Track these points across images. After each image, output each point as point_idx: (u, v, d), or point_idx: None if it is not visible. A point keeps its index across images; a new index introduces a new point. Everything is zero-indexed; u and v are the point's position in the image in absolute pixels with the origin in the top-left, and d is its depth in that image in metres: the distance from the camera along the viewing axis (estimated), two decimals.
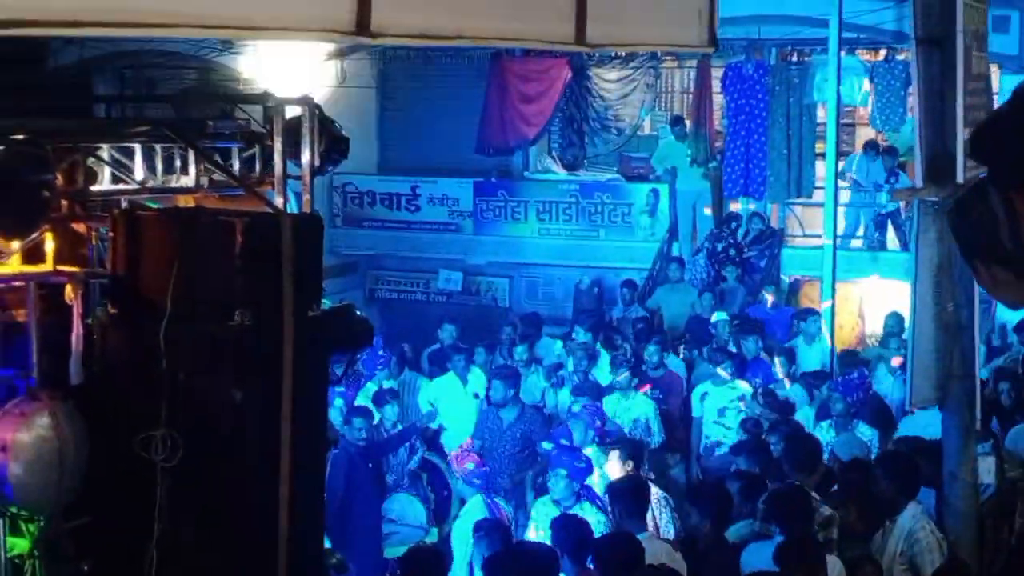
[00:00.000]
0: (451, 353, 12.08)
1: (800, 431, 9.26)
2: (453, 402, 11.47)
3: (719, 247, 15.43)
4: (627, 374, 10.82)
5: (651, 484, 8.56)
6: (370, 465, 9.52)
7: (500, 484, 10.04)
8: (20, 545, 5.67)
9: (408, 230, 17.74)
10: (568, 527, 7.36)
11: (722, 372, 11.15)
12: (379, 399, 10.61)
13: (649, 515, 8.01)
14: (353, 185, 17.78)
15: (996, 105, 11.56)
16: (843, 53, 14.29)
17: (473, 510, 8.61)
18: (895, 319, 12.47)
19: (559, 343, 12.83)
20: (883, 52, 16.17)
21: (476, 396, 11.41)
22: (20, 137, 5.41)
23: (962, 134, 7.29)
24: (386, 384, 11.21)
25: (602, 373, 11.70)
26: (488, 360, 12.38)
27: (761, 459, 8.68)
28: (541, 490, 9.57)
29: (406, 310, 17.56)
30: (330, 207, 17.12)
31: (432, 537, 9.49)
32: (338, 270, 16.43)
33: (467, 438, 10.56)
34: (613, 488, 7.88)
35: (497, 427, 10.35)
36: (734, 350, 11.95)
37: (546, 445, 9.72)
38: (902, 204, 13.95)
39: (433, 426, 10.70)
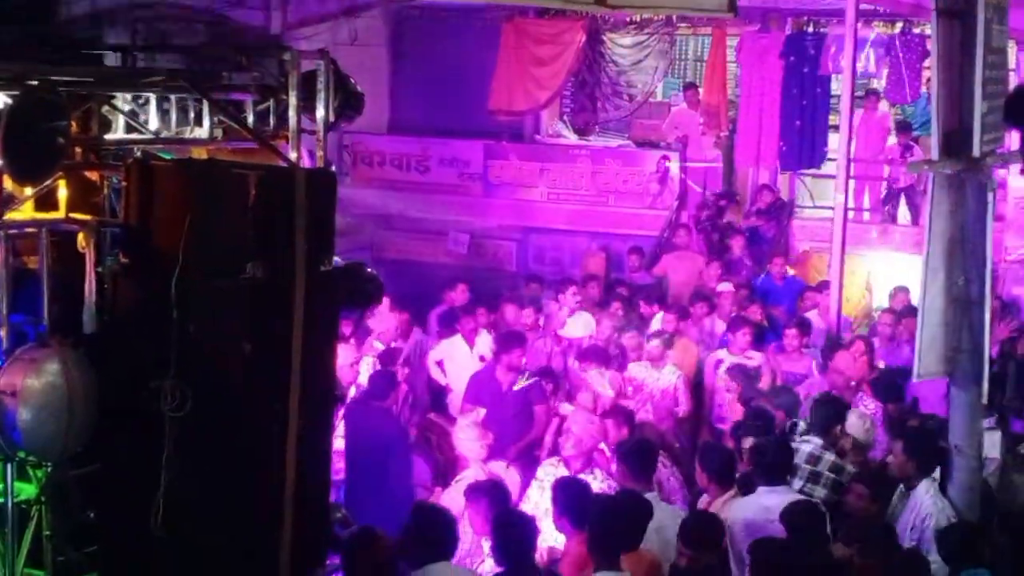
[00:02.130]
0: (459, 315, 12.07)
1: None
2: (460, 365, 11.47)
3: (703, 215, 15.46)
4: (659, 344, 10.78)
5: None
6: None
7: (502, 447, 10.03)
8: (27, 491, 5.70)
9: (417, 191, 17.69)
10: (569, 489, 7.36)
11: (740, 340, 11.12)
12: (385, 359, 10.60)
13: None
14: (363, 144, 17.71)
15: (1013, 81, 11.52)
16: (859, 25, 14.18)
17: (466, 480, 8.59)
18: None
19: (566, 309, 12.79)
20: (899, 25, 16.05)
21: (482, 359, 11.40)
22: (35, 83, 5.39)
23: (980, 107, 7.23)
24: (395, 344, 11.20)
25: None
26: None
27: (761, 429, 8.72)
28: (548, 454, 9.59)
29: (413, 271, 17.52)
30: (340, 166, 17.07)
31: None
32: (345, 229, 16.39)
33: (467, 404, 10.52)
34: (621, 448, 7.88)
35: (496, 390, 10.32)
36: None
37: (566, 407, 9.74)
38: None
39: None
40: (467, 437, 8.78)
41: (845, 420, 8.63)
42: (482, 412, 10.15)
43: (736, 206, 15.83)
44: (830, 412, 8.55)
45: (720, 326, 12.41)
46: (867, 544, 6.65)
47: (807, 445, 8.26)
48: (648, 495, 7.23)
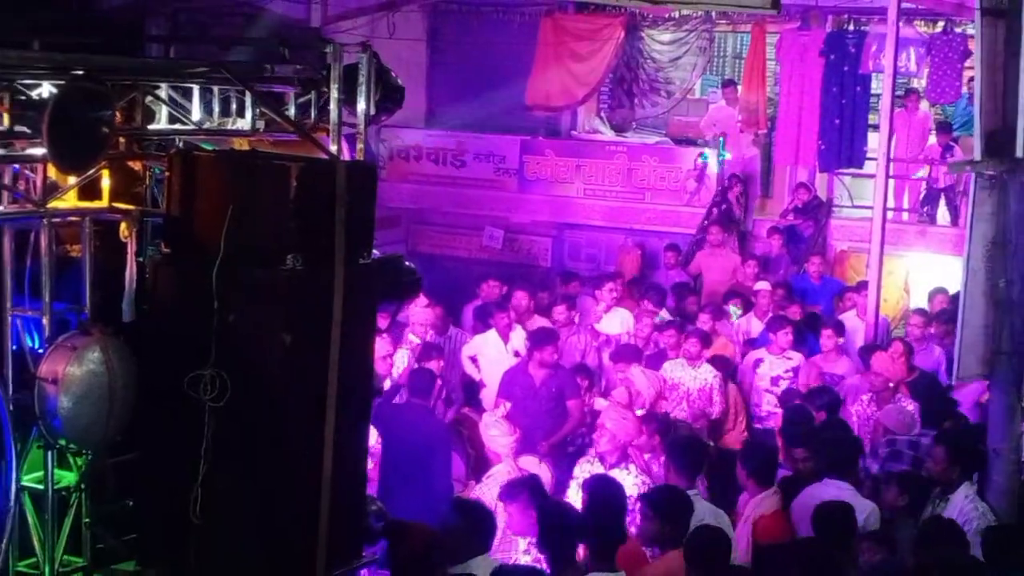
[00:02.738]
0: (494, 310, 12.06)
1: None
2: (493, 360, 11.47)
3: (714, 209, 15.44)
4: (698, 344, 10.75)
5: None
6: None
7: (534, 441, 10.03)
8: (67, 478, 5.75)
9: (453, 185, 17.69)
10: (601, 487, 7.36)
11: (780, 339, 11.07)
12: (421, 354, 10.62)
13: None
14: (399, 138, 17.74)
15: None
16: (901, 23, 14.07)
17: (497, 476, 8.59)
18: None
19: (602, 304, 12.75)
20: (941, 24, 15.93)
21: (517, 354, 11.40)
22: (80, 72, 5.43)
23: (1023, 107, 7.18)
24: (430, 339, 11.21)
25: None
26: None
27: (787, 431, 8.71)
28: (579, 452, 9.58)
29: (447, 265, 17.54)
30: (376, 160, 17.11)
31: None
32: (381, 223, 16.40)
33: (500, 400, 10.52)
34: (672, 442, 7.86)
35: (529, 384, 10.32)
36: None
37: (601, 402, 9.71)
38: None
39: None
40: (495, 432, 8.80)
41: None
42: (507, 406, 10.16)
43: (740, 186, 15.71)
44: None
45: (756, 325, 12.36)
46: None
47: None
48: (691, 492, 7.24)
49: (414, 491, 8.61)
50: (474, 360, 11.71)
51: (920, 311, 12.45)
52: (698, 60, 17.00)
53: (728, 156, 16.20)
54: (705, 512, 7.14)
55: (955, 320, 11.65)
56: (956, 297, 12.35)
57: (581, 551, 6.63)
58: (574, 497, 8.11)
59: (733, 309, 12.61)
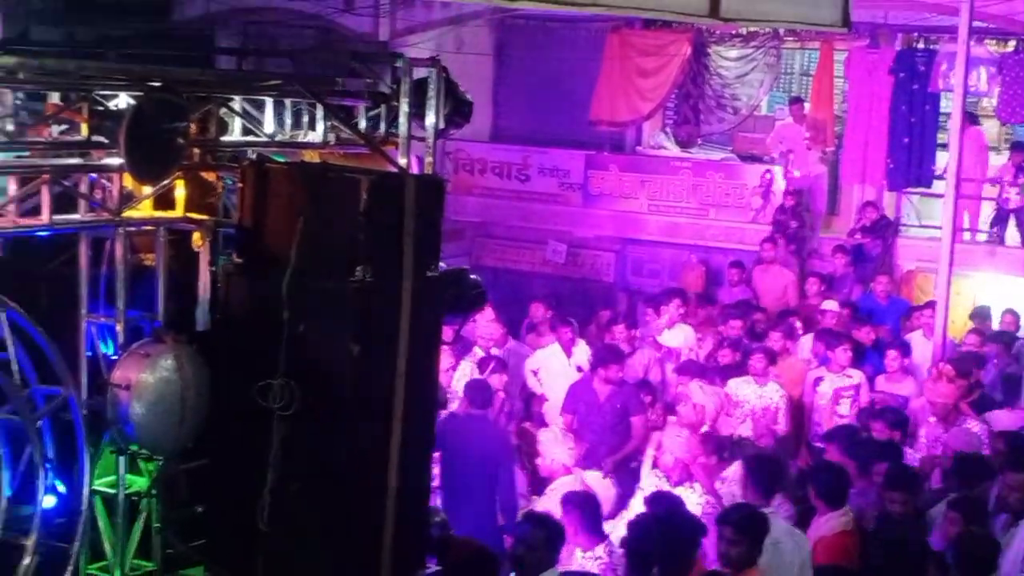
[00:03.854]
0: (557, 325, 12.07)
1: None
2: (556, 374, 11.47)
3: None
4: (764, 360, 10.69)
5: None
6: None
7: (598, 457, 10.03)
8: (138, 483, 5.84)
9: (517, 199, 17.73)
10: (661, 504, 7.36)
11: (840, 356, 10.98)
12: (484, 365, 10.66)
13: None
14: (465, 152, 17.82)
15: None
16: (971, 42, 13.91)
17: (559, 490, 8.60)
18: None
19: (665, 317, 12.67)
20: (1012, 43, 15.72)
21: (579, 369, 11.40)
22: (157, 84, 5.53)
23: None
24: (494, 353, 11.23)
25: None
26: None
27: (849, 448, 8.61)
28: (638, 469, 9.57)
29: (510, 279, 17.58)
30: (441, 173, 17.17)
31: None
32: (445, 236, 16.47)
33: (565, 414, 10.53)
34: (751, 460, 7.83)
35: (592, 400, 10.32)
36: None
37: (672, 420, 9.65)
38: None
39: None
40: (556, 446, 8.82)
41: None
42: (567, 419, 10.18)
43: (795, 198, 15.56)
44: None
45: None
46: None
47: None
48: (766, 510, 7.21)
49: (477, 503, 8.65)
50: (536, 374, 11.72)
51: (975, 331, 12.28)
52: (765, 77, 16.89)
53: (797, 174, 16.08)
54: (780, 531, 7.10)
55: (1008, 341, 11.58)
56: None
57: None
58: (637, 508, 8.11)
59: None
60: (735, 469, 8.61)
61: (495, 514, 8.80)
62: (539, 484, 9.47)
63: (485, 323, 11.38)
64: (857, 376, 10.98)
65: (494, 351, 11.25)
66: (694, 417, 9.06)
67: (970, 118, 15.46)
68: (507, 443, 9.29)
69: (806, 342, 12.29)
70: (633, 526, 6.80)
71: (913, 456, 9.33)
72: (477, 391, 9.41)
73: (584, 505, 7.44)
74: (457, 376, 10.72)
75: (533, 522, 6.82)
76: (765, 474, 7.53)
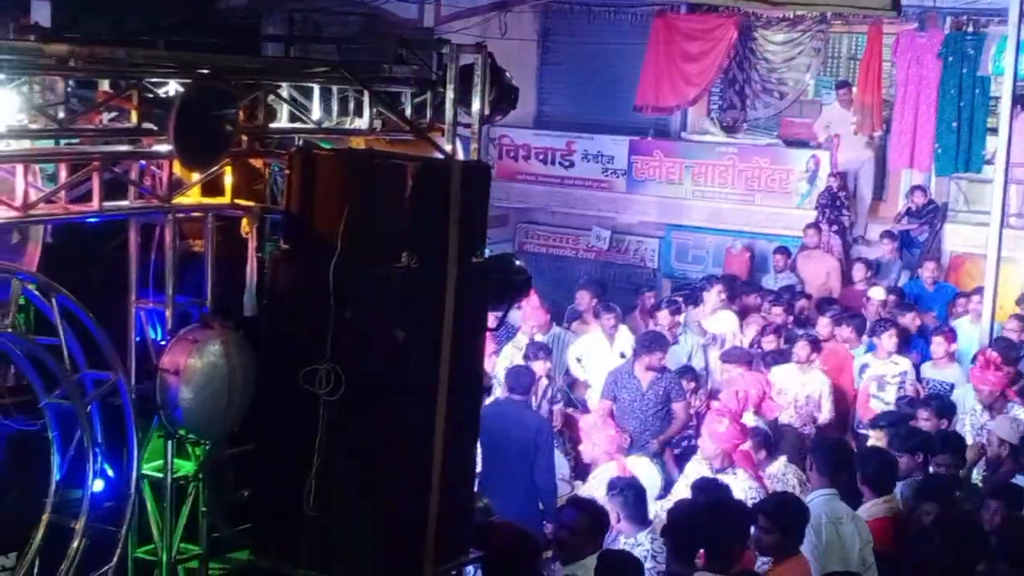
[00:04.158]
0: (600, 311, 12.07)
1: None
2: (599, 360, 11.47)
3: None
4: (808, 348, 10.64)
5: None
6: None
7: (643, 442, 10.03)
8: (186, 467, 5.89)
9: (561, 185, 17.71)
10: (708, 489, 7.36)
11: (885, 343, 10.91)
12: (529, 353, 10.67)
13: None
14: (509, 138, 17.81)
15: None
16: (1022, 25, 13.71)
17: (602, 476, 8.61)
18: None
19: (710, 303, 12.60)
20: None
21: (622, 356, 11.39)
22: (206, 71, 5.57)
23: None
24: (538, 339, 11.24)
25: None
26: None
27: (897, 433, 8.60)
28: (687, 453, 9.56)
29: (554, 265, 17.58)
30: (485, 159, 17.15)
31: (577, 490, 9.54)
32: (489, 222, 16.48)
33: (605, 400, 10.54)
34: (816, 442, 7.82)
35: (635, 387, 10.31)
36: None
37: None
38: None
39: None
40: (597, 433, 8.83)
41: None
42: (607, 405, 10.18)
43: (839, 180, 15.42)
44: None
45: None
46: None
47: None
48: (828, 491, 7.18)
49: (516, 488, 8.68)
50: (579, 361, 11.73)
51: (1017, 316, 12.14)
52: (812, 61, 16.73)
53: (842, 160, 15.94)
54: (841, 513, 7.12)
55: None
56: None
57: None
58: (681, 495, 8.11)
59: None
60: (782, 463, 8.61)
61: (536, 499, 8.83)
62: (583, 470, 9.50)
63: (531, 309, 11.39)
64: (904, 363, 10.90)
65: (538, 337, 11.26)
66: (736, 404, 9.01)
67: (1020, 101, 15.26)
68: (546, 428, 9.31)
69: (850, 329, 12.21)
70: (676, 512, 6.80)
71: None
72: (518, 377, 9.45)
73: (628, 491, 7.46)
74: (501, 362, 10.75)
75: (577, 506, 6.85)
76: (831, 457, 7.53)
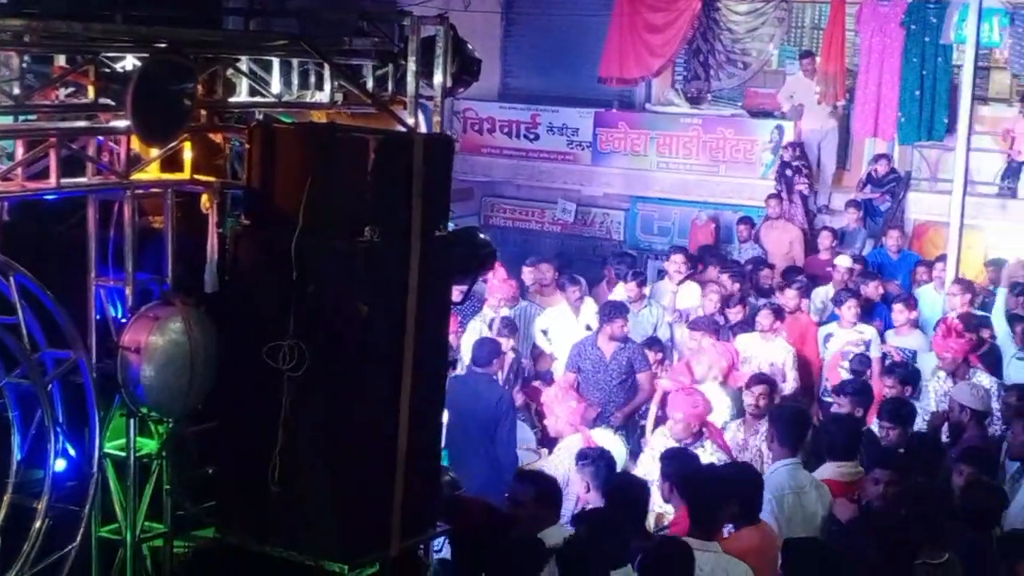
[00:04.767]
0: (565, 284, 12.07)
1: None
2: (565, 333, 11.49)
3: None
4: (771, 317, 10.69)
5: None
6: None
7: (608, 414, 10.06)
8: (148, 446, 5.85)
9: (526, 158, 17.69)
10: (677, 458, 7.39)
11: (846, 313, 10.99)
12: (495, 327, 10.67)
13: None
14: (473, 111, 17.76)
15: None
16: None
17: (567, 448, 8.63)
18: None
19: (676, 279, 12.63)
20: None
21: (588, 328, 11.41)
22: (164, 46, 5.50)
23: None
24: (504, 313, 11.24)
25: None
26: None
27: (862, 401, 8.67)
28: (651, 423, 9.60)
29: (520, 238, 17.57)
30: (450, 132, 17.09)
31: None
32: (454, 195, 16.43)
33: (569, 372, 10.56)
34: (773, 411, 7.86)
35: (599, 358, 10.34)
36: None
37: (664, 383, 9.69)
38: None
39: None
40: (560, 404, 8.85)
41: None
42: (571, 378, 10.21)
43: (795, 150, 15.48)
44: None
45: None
46: None
47: None
48: (791, 461, 7.25)
49: (480, 461, 8.70)
50: (545, 333, 11.74)
51: (959, 280, 12.16)
52: (775, 31, 16.78)
53: (806, 129, 15.99)
54: (804, 481, 7.17)
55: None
56: None
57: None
58: (647, 466, 8.14)
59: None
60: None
61: (498, 472, 8.86)
62: (550, 443, 9.52)
63: (497, 283, 11.39)
64: (868, 331, 10.96)
65: (504, 311, 11.26)
66: (688, 376, 9.09)
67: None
68: (506, 401, 9.31)
69: (814, 298, 12.29)
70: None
71: (923, 411, 9.35)
72: (480, 348, 9.46)
73: (600, 462, 7.48)
74: (468, 336, 10.74)
75: (523, 480, 6.86)
76: (792, 426, 7.58)
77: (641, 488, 7.05)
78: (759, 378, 9.24)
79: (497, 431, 8.92)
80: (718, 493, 6.54)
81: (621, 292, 11.79)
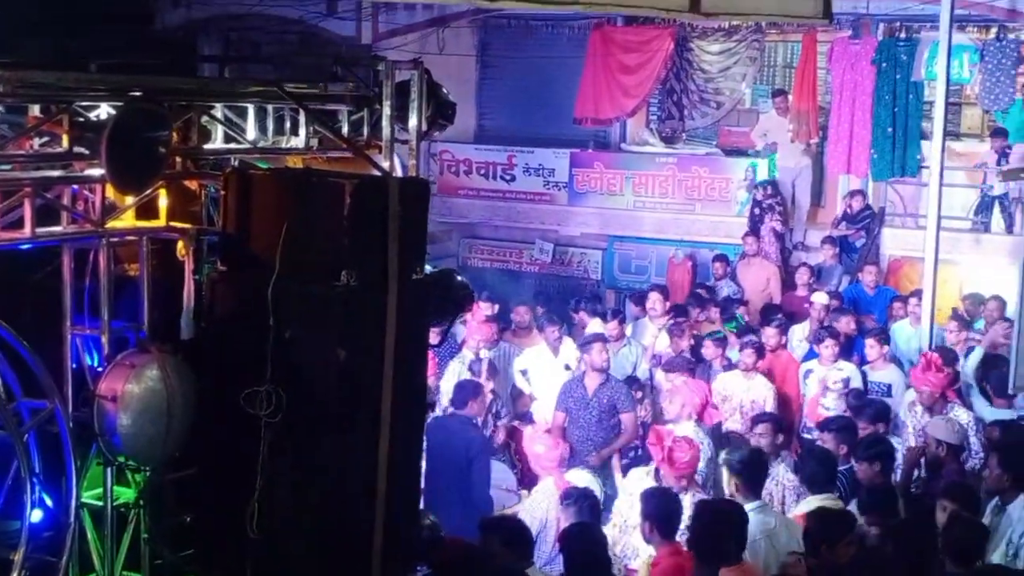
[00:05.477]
0: (544, 324, 12.07)
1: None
2: (544, 373, 11.48)
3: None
4: (753, 355, 10.70)
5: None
6: None
7: (585, 453, 10.02)
8: (126, 494, 5.83)
9: (503, 199, 17.74)
10: (658, 498, 7.36)
11: (824, 352, 11.02)
12: (474, 369, 10.66)
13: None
14: (450, 153, 17.81)
15: None
16: (953, 30, 13.94)
17: (544, 490, 8.60)
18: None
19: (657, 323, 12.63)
20: (993, 30, 15.76)
21: (567, 367, 11.40)
22: (139, 94, 5.51)
23: None
24: (483, 355, 11.22)
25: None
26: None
27: (846, 438, 8.67)
28: (630, 465, 9.57)
29: (498, 279, 17.58)
30: (426, 174, 17.16)
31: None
32: (432, 237, 16.47)
33: (552, 412, 10.53)
34: (733, 462, 7.86)
35: (581, 396, 10.33)
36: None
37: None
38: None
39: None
40: (539, 446, 8.82)
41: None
42: (551, 419, 10.19)
43: (769, 188, 15.61)
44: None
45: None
46: None
47: None
48: (757, 504, 7.24)
49: (454, 502, 8.65)
50: (524, 374, 11.73)
51: (956, 317, 12.28)
52: (748, 70, 16.91)
53: (780, 167, 16.13)
54: (772, 521, 7.16)
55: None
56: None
57: None
58: (624, 508, 8.10)
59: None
60: None
61: (473, 513, 8.82)
62: (530, 484, 9.49)
63: (476, 324, 11.38)
64: (848, 368, 10.98)
65: (483, 353, 11.24)
66: (681, 410, 9.07)
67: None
68: (479, 441, 9.26)
69: (791, 336, 12.33)
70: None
71: (901, 446, 9.37)
72: (457, 391, 9.46)
73: (583, 501, 7.46)
74: (447, 377, 10.73)
75: (486, 528, 6.83)
76: (751, 470, 7.56)
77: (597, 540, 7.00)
78: (759, 417, 9.25)
79: (471, 472, 8.89)
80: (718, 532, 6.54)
81: (596, 327, 11.79)
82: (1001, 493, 7.46)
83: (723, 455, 8.13)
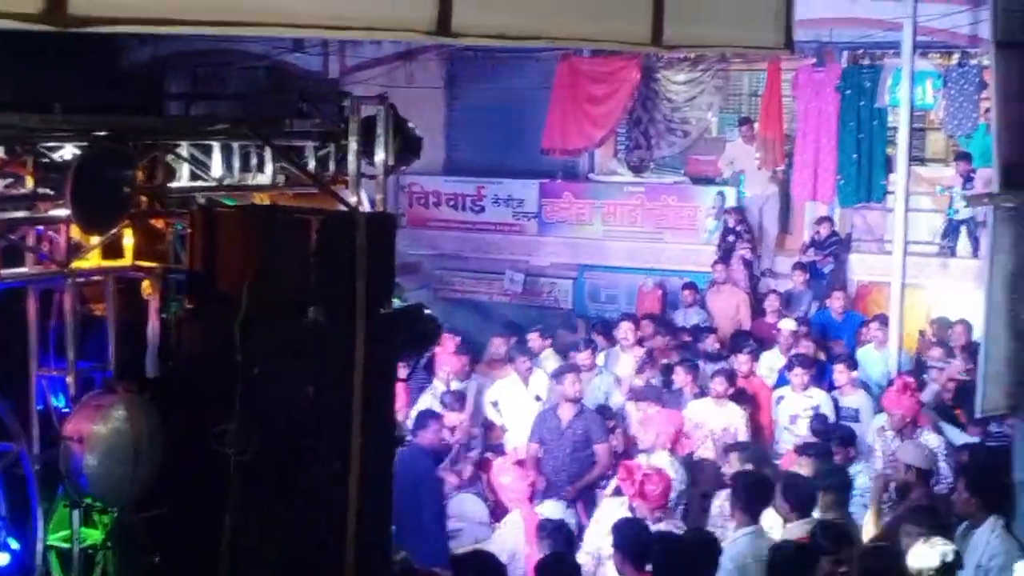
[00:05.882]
0: (514, 355, 12.07)
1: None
2: (515, 404, 11.47)
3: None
4: (725, 383, 10.73)
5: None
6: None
7: (559, 484, 10.00)
8: (93, 536, 5.78)
9: (473, 230, 17.77)
10: (629, 529, 7.36)
11: (794, 380, 11.06)
12: (444, 401, 10.64)
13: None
14: (419, 185, 17.85)
15: None
16: (916, 57, 14.11)
17: (511, 522, 8.57)
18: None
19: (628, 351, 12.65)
20: (956, 56, 15.94)
21: (538, 398, 11.41)
22: (103, 134, 5.51)
23: None
24: (454, 386, 11.21)
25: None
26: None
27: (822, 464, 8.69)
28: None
29: (469, 310, 17.57)
30: (396, 207, 17.17)
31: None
32: (402, 270, 16.44)
33: (524, 443, 10.52)
34: (736, 480, 7.85)
35: (555, 426, 10.32)
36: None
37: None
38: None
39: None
40: (507, 478, 8.81)
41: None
42: (521, 451, 10.18)
43: (737, 215, 15.72)
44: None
45: (779, 363, 12.32)
46: None
47: None
48: (752, 529, 7.23)
49: (412, 530, 8.60)
50: (495, 405, 11.72)
51: (940, 343, 12.39)
52: (714, 99, 17.06)
53: (747, 195, 16.24)
54: (766, 549, 7.15)
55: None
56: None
57: None
58: (596, 538, 8.09)
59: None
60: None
61: (445, 541, 8.79)
62: (501, 516, 9.47)
63: (446, 356, 11.36)
64: (818, 396, 11.02)
65: (454, 384, 11.23)
66: (655, 440, 9.08)
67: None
68: (423, 463, 9.20)
69: (763, 361, 12.38)
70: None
71: (871, 470, 9.41)
72: (418, 420, 9.46)
73: (557, 534, 7.46)
74: (416, 410, 10.70)
75: (458, 563, 6.80)
76: (754, 493, 7.58)
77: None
78: (732, 447, 9.27)
79: (421, 496, 8.84)
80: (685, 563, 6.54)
81: (548, 354, 11.86)
82: (969, 517, 7.48)
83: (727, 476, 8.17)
